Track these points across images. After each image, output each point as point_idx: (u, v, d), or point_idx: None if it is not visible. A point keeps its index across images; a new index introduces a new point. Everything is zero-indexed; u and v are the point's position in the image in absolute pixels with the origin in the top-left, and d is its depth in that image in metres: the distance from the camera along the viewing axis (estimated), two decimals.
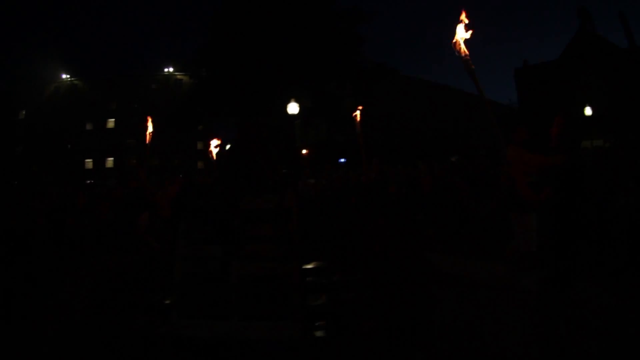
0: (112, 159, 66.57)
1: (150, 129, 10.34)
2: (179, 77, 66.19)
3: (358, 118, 11.11)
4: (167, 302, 4.83)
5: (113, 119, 68.34)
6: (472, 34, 4.82)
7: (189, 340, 4.35)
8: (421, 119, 40.83)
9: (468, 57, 4.68)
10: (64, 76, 71.21)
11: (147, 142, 10.48)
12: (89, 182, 43.84)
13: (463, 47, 4.71)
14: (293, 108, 20.51)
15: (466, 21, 4.86)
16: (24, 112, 67.58)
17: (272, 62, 24.90)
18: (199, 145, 60.50)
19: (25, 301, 7.61)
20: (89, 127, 68.22)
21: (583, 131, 31.15)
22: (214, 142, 8.68)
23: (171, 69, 69.10)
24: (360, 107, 11.26)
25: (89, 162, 67.09)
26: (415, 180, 12.29)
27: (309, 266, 5.00)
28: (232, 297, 4.41)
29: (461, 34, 4.78)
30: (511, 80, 42.22)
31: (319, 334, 4.30)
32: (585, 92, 34.79)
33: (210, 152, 8.71)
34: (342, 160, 33.92)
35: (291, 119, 22.10)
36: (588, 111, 32.11)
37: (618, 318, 5.51)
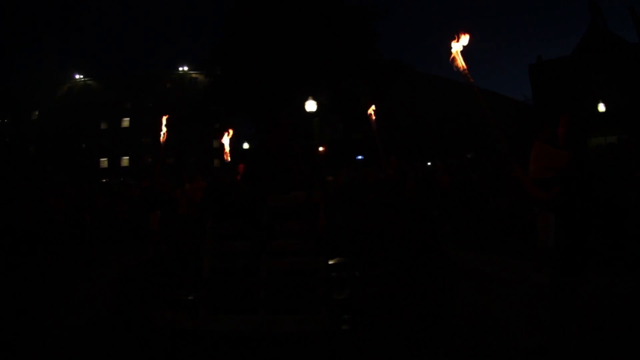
0: (127, 157, 66.88)
1: (164, 128, 10.43)
2: (193, 75, 66.60)
3: (373, 116, 11.15)
4: (190, 297, 4.94)
5: (128, 118, 68.63)
6: (469, 41, 4.81)
7: (217, 334, 4.44)
8: (437, 115, 40.68)
9: (467, 72, 4.68)
10: (77, 76, 71.68)
11: (162, 141, 10.58)
12: (104, 180, 44.11)
13: (461, 61, 4.71)
14: (311, 105, 20.46)
15: (462, 40, 4.85)
16: (36, 113, 68.08)
17: (287, 60, 24.94)
18: (215, 144, 60.48)
19: (48, 297, 7.76)
20: (103, 126, 68.68)
21: (591, 128, 31.06)
22: (226, 140, 8.74)
23: (186, 68, 69.46)
24: (373, 107, 11.30)
25: (104, 161, 67.49)
26: (433, 177, 12.36)
27: (332, 262, 5.09)
28: (260, 292, 4.50)
29: (456, 48, 4.77)
30: (526, 76, 42.03)
31: (344, 327, 4.38)
32: (598, 88, 34.62)
33: (226, 153, 8.78)
34: (359, 157, 33.97)
35: (308, 116, 22.08)
36: (601, 107, 31.94)
37: (628, 310, 5.61)
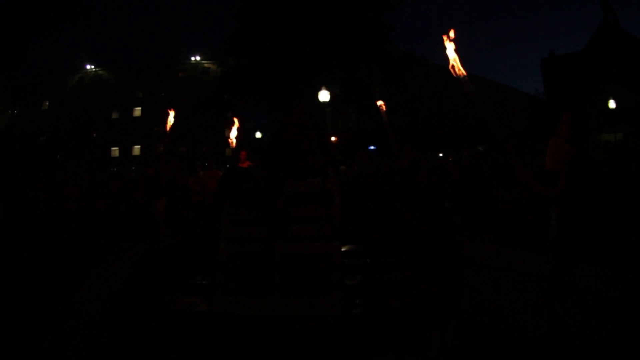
0: (138, 146, 67.08)
1: (171, 120, 10.56)
2: (206, 65, 66.63)
3: (383, 108, 11.22)
4: (205, 282, 5.05)
5: (139, 108, 68.76)
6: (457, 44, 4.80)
7: (233, 317, 4.55)
8: (450, 107, 40.65)
9: (467, 79, 4.68)
10: (88, 67, 71.91)
11: (168, 130, 10.71)
12: (114, 169, 44.29)
13: (460, 68, 4.70)
14: (324, 95, 20.40)
15: (451, 39, 4.84)
16: (47, 103, 68.54)
17: (301, 50, 24.94)
18: (227, 133, 60.42)
19: (64, 284, 7.90)
20: (115, 115, 68.86)
21: (600, 125, 31.00)
22: (233, 131, 8.83)
23: (198, 57, 69.46)
24: (382, 102, 11.38)
25: (115, 151, 67.77)
26: (444, 169, 12.40)
27: (344, 249, 5.19)
28: (275, 276, 4.62)
29: (452, 55, 4.77)
30: (538, 70, 42.01)
31: (356, 311, 4.49)
32: (609, 84, 34.55)
33: (231, 140, 8.88)
34: (372, 147, 34.02)
35: (322, 106, 22.02)
36: (612, 104, 31.86)
37: (630, 301, 5.71)
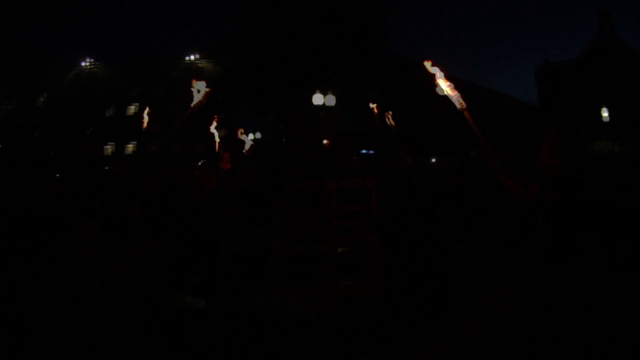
0: (132, 145, 66.73)
1: (146, 117, 10.63)
2: (200, 65, 66.45)
3: (375, 110, 11.38)
4: (203, 281, 5.18)
5: (134, 106, 68.41)
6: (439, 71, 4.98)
7: (232, 314, 4.68)
8: (443, 113, 40.77)
9: (457, 97, 4.81)
10: (84, 63, 71.63)
11: (143, 128, 10.77)
12: (107, 167, 44.05)
13: (451, 89, 4.85)
14: (318, 99, 20.43)
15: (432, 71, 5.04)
16: (41, 100, 68.21)
17: (297, 53, 25.02)
18: (221, 132, 60.19)
19: (65, 281, 7.96)
20: (109, 113, 68.60)
21: (592, 133, 31.27)
22: (215, 131, 8.89)
23: (192, 57, 69.29)
24: (375, 104, 11.54)
25: (107, 148, 67.49)
26: (436, 173, 12.55)
27: (340, 250, 5.33)
28: (274, 275, 4.76)
29: (442, 82, 4.94)
30: (531, 77, 42.30)
31: (351, 310, 4.64)
32: (604, 94, 34.78)
33: (216, 142, 8.97)
34: (364, 151, 34.07)
35: (317, 109, 22.06)
36: (605, 113, 32.10)
37: (619, 302, 5.87)
